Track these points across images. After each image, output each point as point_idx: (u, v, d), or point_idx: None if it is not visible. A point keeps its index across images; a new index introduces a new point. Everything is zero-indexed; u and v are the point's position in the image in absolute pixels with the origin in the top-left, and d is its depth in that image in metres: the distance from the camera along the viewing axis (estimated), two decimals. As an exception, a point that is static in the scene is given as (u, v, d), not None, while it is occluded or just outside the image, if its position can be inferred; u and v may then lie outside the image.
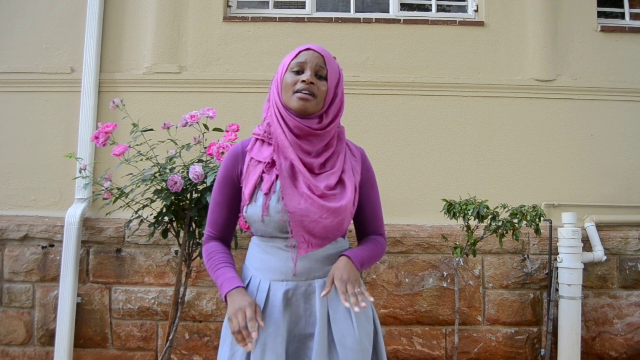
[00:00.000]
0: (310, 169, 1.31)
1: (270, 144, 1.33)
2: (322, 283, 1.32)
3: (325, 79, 1.33)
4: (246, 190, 1.33)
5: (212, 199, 1.42)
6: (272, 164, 1.32)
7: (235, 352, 1.30)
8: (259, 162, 1.33)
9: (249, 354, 1.28)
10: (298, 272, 1.32)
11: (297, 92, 1.29)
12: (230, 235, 1.45)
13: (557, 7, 3.25)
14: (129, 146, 2.25)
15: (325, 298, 1.30)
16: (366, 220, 1.46)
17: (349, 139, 1.44)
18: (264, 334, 1.27)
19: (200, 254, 2.33)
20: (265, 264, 1.34)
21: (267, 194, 1.30)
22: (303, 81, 1.29)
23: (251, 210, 1.32)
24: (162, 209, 2.31)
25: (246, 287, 1.35)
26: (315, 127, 1.31)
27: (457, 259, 2.65)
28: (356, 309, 1.18)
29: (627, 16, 3.41)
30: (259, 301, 1.31)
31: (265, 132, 1.35)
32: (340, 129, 1.40)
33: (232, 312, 1.23)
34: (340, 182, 1.34)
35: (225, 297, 1.28)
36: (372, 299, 1.23)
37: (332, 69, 1.34)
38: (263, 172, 1.32)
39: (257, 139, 1.37)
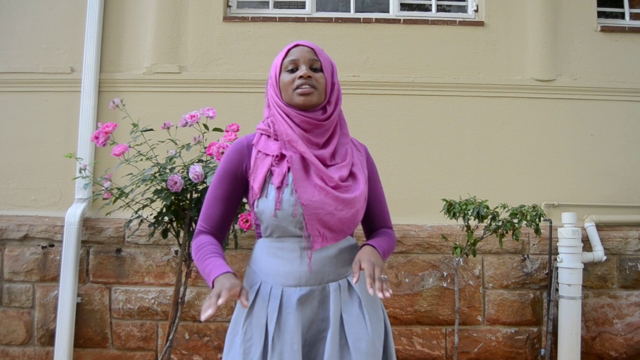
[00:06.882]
0: (322, 160, 1.29)
1: (276, 140, 1.31)
2: (336, 286, 1.30)
3: (321, 70, 1.33)
4: (255, 184, 1.29)
5: (209, 193, 1.36)
6: (280, 157, 1.29)
7: None
8: (267, 155, 1.30)
9: None
10: (311, 276, 1.28)
11: (297, 88, 1.29)
12: (223, 233, 1.39)
13: (557, 7, 3.25)
14: (129, 146, 2.25)
15: (339, 302, 1.28)
16: (374, 215, 1.46)
17: (352, 137, 1.44)
18: (280, 342, 1.23)
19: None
20: (277, 269, 1.30)
21: (279, 188, 1.26)
22: (301, 77, 1.29)
23: (262, 205, 1.27)
24: (162, 209, 2.31)
25: (256, 294, 1.30)
26: (320, 118, 1.31)
27: (457, 259, 2.65)
28: (380, 295, 1.13)
29: (627, 16, 3.41)
30: (272, 308, 1.26)
31: (269, 127, 1.33)
32: (343, 122, 1.40)
33: (216, 291, 1.12)
34: (352, 174, 1.33)
35: (213, 283, 1.19)
36: (390, 292, 1.15)
37: (324, 60, 1.35)
38: (272, 165, 1.29)
39: (262, 134, 1.35)
